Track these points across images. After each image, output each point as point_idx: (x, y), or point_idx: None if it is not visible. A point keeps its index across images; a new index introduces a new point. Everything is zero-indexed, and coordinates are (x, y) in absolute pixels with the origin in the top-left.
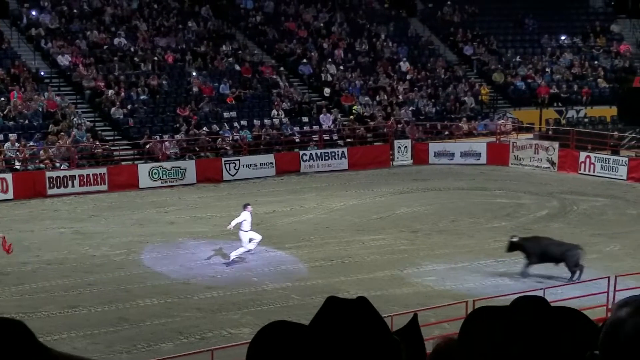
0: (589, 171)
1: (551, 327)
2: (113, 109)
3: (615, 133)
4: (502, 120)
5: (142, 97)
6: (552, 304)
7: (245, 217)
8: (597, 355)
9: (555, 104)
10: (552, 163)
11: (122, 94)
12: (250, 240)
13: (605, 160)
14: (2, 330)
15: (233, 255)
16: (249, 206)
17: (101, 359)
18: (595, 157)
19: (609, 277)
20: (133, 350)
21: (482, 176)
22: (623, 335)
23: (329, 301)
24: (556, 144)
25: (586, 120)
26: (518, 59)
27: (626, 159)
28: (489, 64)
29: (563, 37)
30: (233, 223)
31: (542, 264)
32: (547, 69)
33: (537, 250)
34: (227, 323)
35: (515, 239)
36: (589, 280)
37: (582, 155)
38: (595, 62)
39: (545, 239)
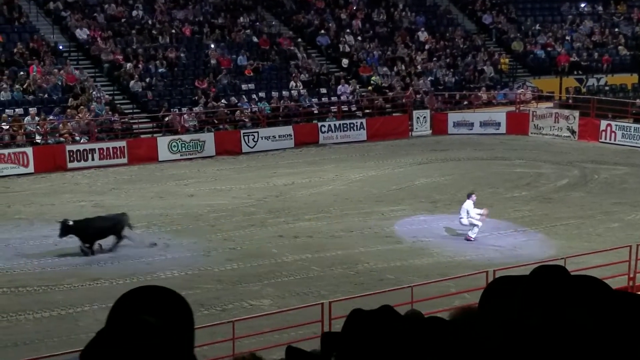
0: (610, 140)
1: (570, 296)
2: (132, 82)
3: (637, 101)
4: (522, 89)
5: (160, 70)
6: (573, 273)
7: (470, 206)
8: None
9: (575, 72)
10: (573, 132)
11: (141, 67)
12: (472, 224)
13: (627, 129)
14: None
15: (472, 235)
16: (473, 195)
17: None
18: (616, 125)
19: (630, 246)
20: None
21: (501, 146)
22: None
23: (353, 314)
24: (576, 113)
25: (607, 88)
26: (537, 27)
27: None
28: (508, 33)
29: (583, 5)
30: (475, 215)
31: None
32: (567, 37)
33: (90, 230)
34: (248, 294)
35: (70, 223)
36: (610, 249)
37: (603, 123)
38: (616, 30)
39: (96, 218)
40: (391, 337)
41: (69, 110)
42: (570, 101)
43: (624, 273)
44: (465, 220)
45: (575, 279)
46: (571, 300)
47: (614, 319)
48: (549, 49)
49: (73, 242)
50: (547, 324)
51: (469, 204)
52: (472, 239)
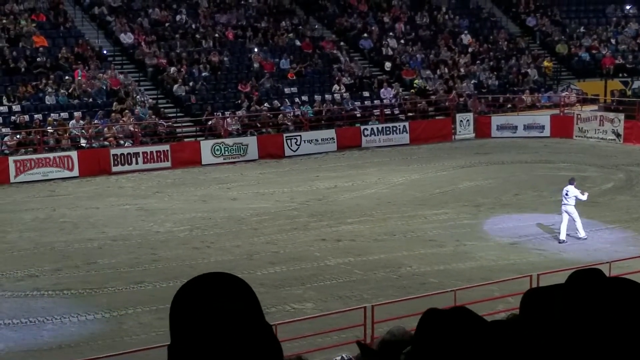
0: None
1: (607, 299)
2: (175, 86)
3: None
4: (566, 92)
5: (203, 74)
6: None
7: (576, 191)
8: None
9: (620, 75)
10: (618, 135)
11: (184, 70)
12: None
13: None
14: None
15: (581, 233)
16: (573, 181)
17: (167, 333)
18: None
19: None
20: None
21: (545, 149)
22: None
23: (428, 314)
24: (622, 116)
25: None
26: (582, 29)
27: None
28: (552, 35)
29: (628, 7)
30: (582, 197)
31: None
32: (612, 40)
33: None
34: (290, 298)
35: None
36: None
37: None
38: None
39: None
40: (467, 338)
41: (113, 114)
42: (615, 104)
43: None
44: (571, 208)
45: (611, 281)
46: (608, 303)
47: None
48: (593, 51)
49: (116, 244)
50: (586, 328)
51: (573, 189)
52: (584, 237)
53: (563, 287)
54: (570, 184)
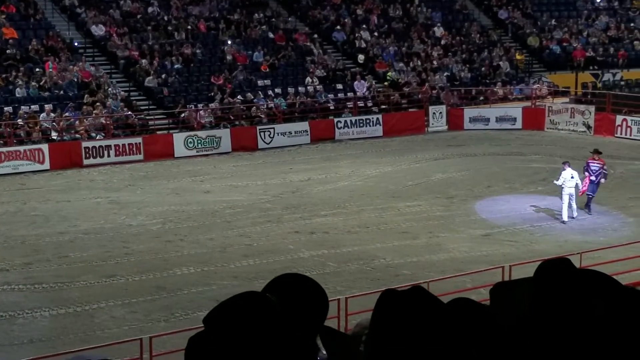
0: (626, 134)
1: (575, 291)
2: (147, 79)
3: None
4: (538, 85)
5: (176, 66)
6: (589, 268)
7: (574, 172)
8: None
9: (591, 67)
10: (588, 127)
11: (156, 63)
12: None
13: None
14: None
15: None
16: (567, 164)
17: (139, 327)
18: (631, 120)
19: None
20: (171, 319)
21: (517, 141)
22: None
23: (385, 295)
24: (592, 108)
25: (622, 83)
26: (553, 22)
27: None
28: (523, 28)
29: (599, 0)
30: (560, 180)
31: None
32: (583, 32)
33: None
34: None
35: None
36: (626, 244)
37: (619, 118)
38: (632, 24)
39: None
40: (425, 318)
41: (84, 107)
42: (586, 96)
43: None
44: (573, 190)
45: (580, 273)
46: (576, 295)
47: (619, 313)
48: (564, 44)
49: (88, 238)
50: (553, 320)
51: (570, 171)
52: (590, 212)
53: (533, 278)
54: (568, 166)
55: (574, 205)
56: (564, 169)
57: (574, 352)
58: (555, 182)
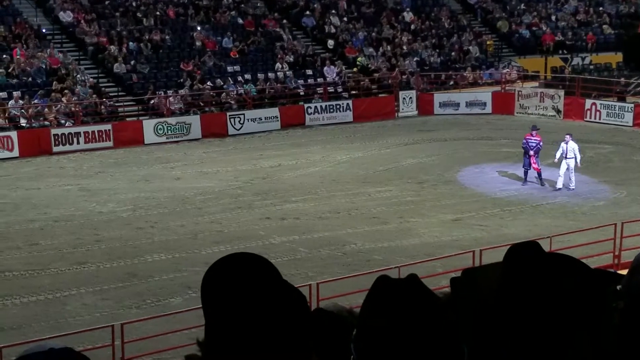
0: (595, 118)
1: (545, 274)
2: (116, 65)
3: (622, 80)
4: (507, 69)
5: (145, 53)
6: (559, 252)
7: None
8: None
9: (560, 52)
10: (558, 111)
11: (125, 49)
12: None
13: (611, 107)
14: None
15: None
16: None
17: (111, 314)
18: (601, 104)
19: (615, 224)
20: (142, 305)
21: (487, 126)
22: (635, 284)
23: (380, 281)
24: (562, 92)
25: (591, 67)
26: (522, 6)
27: (632, 105)
28: (493, 13)
29: None
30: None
31: None
32: (552, 16)
33: None
34: None
35: None
36: (595, 228)
37: (588, 102)
38: (600, 8)
39: None
40: (417, 307)
41: (53, 94)
42: (556, 80)
43: (609, 251)
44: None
45: (549, 257)
46: (545, 279)
47: (587, 295)
48: (534, 28)
49: (58, 225)
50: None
51: (573, 144)
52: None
53: (502, 262)
54: (571, 138)
55: (572, 177)
56: (567, 141)
57: (543, 334)
58: (556, 158)
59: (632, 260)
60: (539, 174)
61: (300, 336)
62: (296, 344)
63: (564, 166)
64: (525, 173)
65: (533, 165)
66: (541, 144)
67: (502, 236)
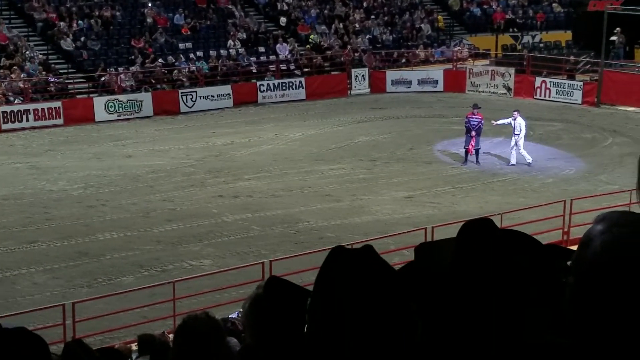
0: (545, 96)
1: (497, 250)
2: (66, 41)
3: (571, 58)
4: (459, 47)
5: (95, 29)
6: (509, 228)
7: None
8: (570, 279)
9: (510, 30)
10: (508, 89)
11: (75, 25)
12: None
13: (561, 85)
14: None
15: (529, 158)
16: (515, 112)
17: (62, 293)
18: (550, 82)
19: (564, 201)
20: (94, 284)
21: (439, 103)
22: (591, 253)
23: (335, 251)
24: (512, 70)
25: (541, 45)
26: None
27: (581, 83)
28: None
29: None
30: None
31: None
32: None
33: None
34: (188, 255)
35: None
36: (545, 204)
37: (538, 80)
38: None
39: None
40: (374, 276)
41: (1, 71)
42: (506, 59)
43: (558, 227)
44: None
45: (502, 233)
46: (497, 255)
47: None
48: (484, 6)
49: (8, 204)
50: (475, 280)
51: (521, 120)
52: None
53: (455, 238)
54: (519, 114)
55: (523, 152)
56: (515, 117)
57: (495, 311)
58: (498, 122)
59: (582, 236)
60: (477, 152)
61: None
62: None
63: (513, 142)
64: (466, 153)
65: (471, 144)
66: (482, 122)
67: (454, 213)
